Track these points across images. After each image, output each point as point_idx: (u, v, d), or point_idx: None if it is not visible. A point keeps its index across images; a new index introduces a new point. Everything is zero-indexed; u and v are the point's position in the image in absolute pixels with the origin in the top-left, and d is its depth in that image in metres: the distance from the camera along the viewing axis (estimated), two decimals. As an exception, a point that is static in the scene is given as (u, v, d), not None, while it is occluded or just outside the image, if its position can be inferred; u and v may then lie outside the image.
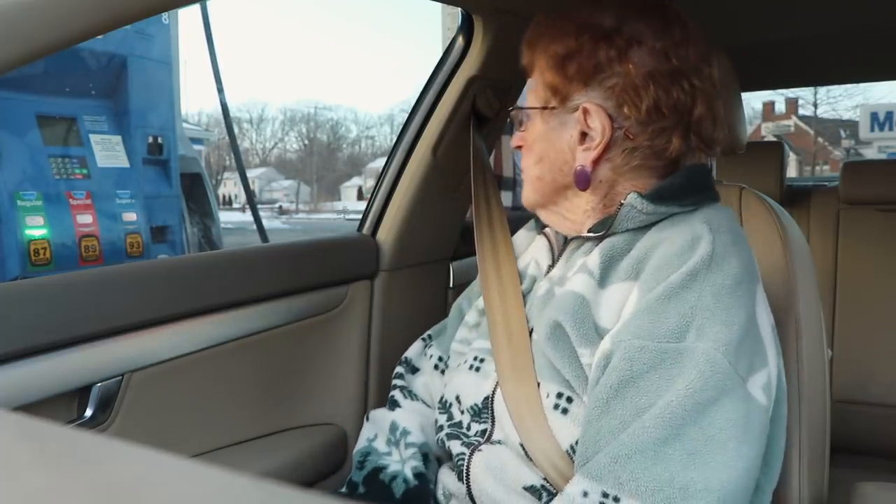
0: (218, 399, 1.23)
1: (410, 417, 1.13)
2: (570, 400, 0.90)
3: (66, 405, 1.03)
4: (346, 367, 1.45)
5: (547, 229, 1.10)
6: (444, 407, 1.07)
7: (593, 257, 0.95)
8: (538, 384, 0.93)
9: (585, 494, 0.79)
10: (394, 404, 1.16)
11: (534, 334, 0.98)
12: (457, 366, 1.09)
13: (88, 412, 1.03)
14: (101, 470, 0.29)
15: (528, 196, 1.05)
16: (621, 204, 0.95)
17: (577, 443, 0.87)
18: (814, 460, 1.09)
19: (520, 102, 1.01)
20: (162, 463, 0.29)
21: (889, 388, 2.04)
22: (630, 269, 0.91)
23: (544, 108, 0.99)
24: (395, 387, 1.20)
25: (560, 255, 1.05)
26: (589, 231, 0.99)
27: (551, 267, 1.06)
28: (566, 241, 1.07)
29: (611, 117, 0.94)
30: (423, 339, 1.24)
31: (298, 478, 1.27)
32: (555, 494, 0.88)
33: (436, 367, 1.19)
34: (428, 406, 1.17)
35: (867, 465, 1.91)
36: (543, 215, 1.06)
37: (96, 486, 0.27)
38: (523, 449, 0.92)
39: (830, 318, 2.13)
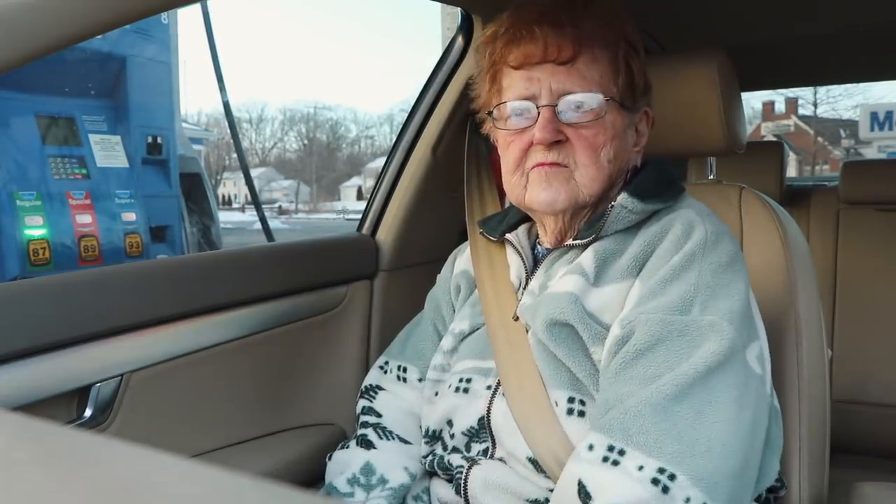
0: (218, 399, 1.23)
1: (388, 459, 1.07)
2: (583, 403, 0.90)
3: (65, 405, 1.03)
4: (346, 366, 1.45)
5: (516, 242, 1.07)
6: (434, 437, 1.04)
7: (586, 258, 0.95)
8: (546, 393, 0.92)
9: (591, 448, 0.80)
10: (367, 444, 1.10)
11: (529, 336, 0.98)
12: (434, 394, 1.07)
13: (88, 412, 1.03)
14: (100, 470, 0.29)
15: (590, 190, 0.96)
16: (611, 206, 0.95)
17: None
18: (814, 460, 1.09)
19: (572, 89, 0.95)
20: (162, 463, 0.29)
21: (888, 387, 2.04)
22: (628, 268, 0.92)
23: (622, 104, 0.98)
24: (365, 424, 1.13)
25: (535, 266, 1.05)
26: (575, 238, 0.99)
27: (528, 279, 1.04)
28: (537, 252, 1.07)
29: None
30: (381, 367, 1.21)
31: (298, 478, 1.27)
32: None
33: (419, 380, 1.15)
34: (405, 441, 1.11)
35: (867, 465, 1.91)
36: (545, 220, 1.03)
37: (96, 486, 0.27)
38: (531, 462, 0.90)
39: (830, 318, 2.13)
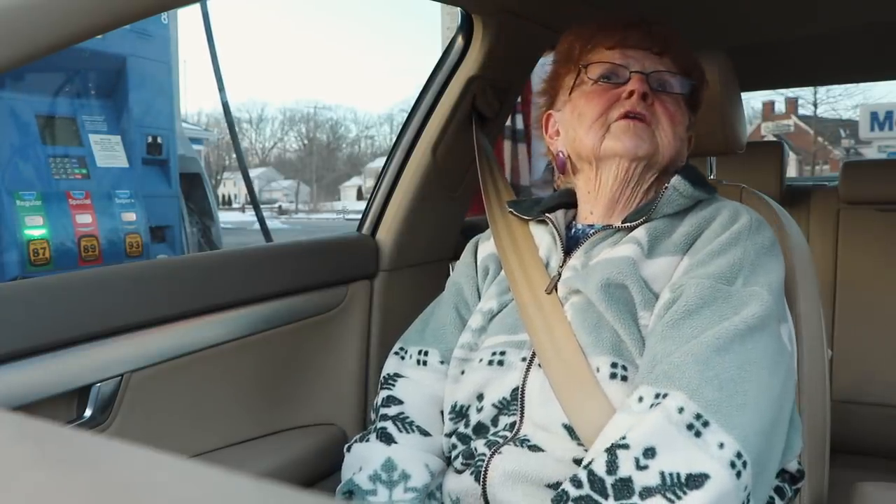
0: (217, 399, 1.23)
1: (411, 456, 1.05)
2: (625, 368, 0.92)
3: (65, 405, 1.03)
4: (346, 367, 1.45)
5: (555, 221, 1.12)
6: (460, 413, 1.05)
7: (640, 233, 1.01)
8: (585, 360, 0.95)
9: (641, 399, 0.84)
10: (388, 438, 1.08)
11: (567, 308, 1.00)
12: (461, 373, 1.07)
13: (88, 412, 1.03)
14: (100, 470, 0.29)
15: (668, 151, 1.04)
16: (665, 187, 1.01)
17: None
18: (814, 460, 1.09)
19: (663, 70, 1.07)
20: (162, 463, 0.29)
21: (889, 388, 2.04)
22: (679, 244, 0.99)
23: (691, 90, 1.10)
24: (385, 417, 1.11)
25: (571, 247, 1.08)
26: (624, 222, 1.03)
27: (565, 257, 1.07)
28: (576, 232, 1.11)
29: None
30: (397, 354, 1.19)
31: (298, 478, 1.27)
32: None
33: (440, 363, 1.14)
34: (425, 433, 1.09)
35: (867, 465, 1.91)
36: (605, 175, 1.08)
37: (96, 486, 0.27)
38: (566, 429, 0.92)
39: (830, 318, 2.13)
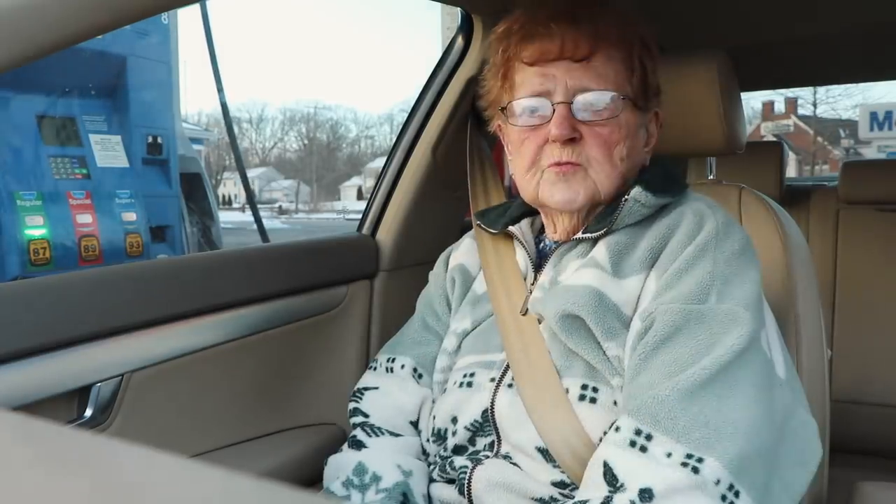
0: (218, 399, 1.23)
1: (380, 458, 1.04)
2: (595, 390, 0.91)
3: (65, 405, 1.03)
4: (346, 366, 1.45)
5: (520, 235, 1.08)
6: (439, 436, 1.04)
7: (599, 251, 0.96)
8: (559, 381, 0.93)
9: (618, 429, 0.82)
10: (358, 444, 1.08)
11: (542, 328, 0.98)
12: (442, 391, 1.07)
13: (88, 412, 1.03)
14: (101, 470, 0.29)
15: (607, 188, 0.97)
16: (625, 200, 0.96)
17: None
18: (813, 460, 1.09)
19: (588, 86, 0.95)
20: (162, 463, 0.29)
21: (889, 388, 2.04)
22: (643, 261, 0.93)
23: (635, 104, 0.99)
24: (355, 425, 1.12)
25: (540, 261, 1.05)
26: (585, 232, 0.99)
27: (537, 273, 1.04)
28: (544, 246, 1.08)
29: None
30: (371, 367, 1.20)
31: (298, 478, 1.27)
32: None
33: (413, 369, 1.14)
34: (395, 434, 1.09)
35: (867, 465, 1.91)
36: (558, 218, 1.04)
37: (96, 486, 0.27)
38: (540, 452, 0.91)
39: (830, 318, 2.13)
